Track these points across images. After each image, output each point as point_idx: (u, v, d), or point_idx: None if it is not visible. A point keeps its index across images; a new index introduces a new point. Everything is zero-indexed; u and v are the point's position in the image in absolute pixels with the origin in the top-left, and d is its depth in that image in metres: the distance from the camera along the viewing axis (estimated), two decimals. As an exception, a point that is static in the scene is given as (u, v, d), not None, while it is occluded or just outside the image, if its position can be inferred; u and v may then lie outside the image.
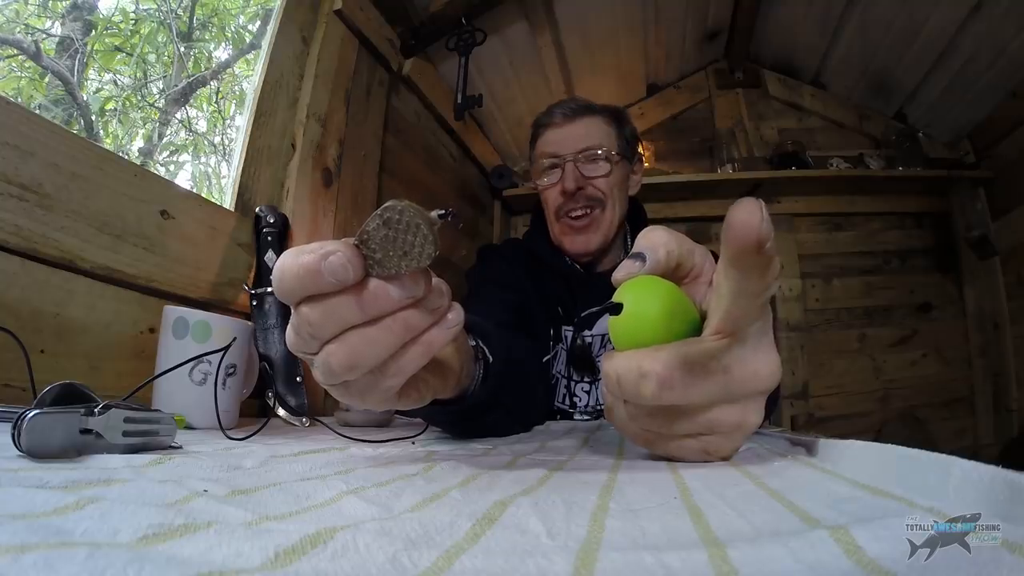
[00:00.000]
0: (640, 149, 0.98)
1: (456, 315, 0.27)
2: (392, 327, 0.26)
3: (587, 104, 0.95)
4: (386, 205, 0.23)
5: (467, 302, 0.88)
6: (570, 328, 0.91)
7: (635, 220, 0.99)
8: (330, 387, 0.28)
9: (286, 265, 0.24)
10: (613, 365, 0.29)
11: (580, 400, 0.88)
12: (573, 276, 0.93)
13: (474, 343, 0.44)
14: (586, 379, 0.89)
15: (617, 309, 0.30)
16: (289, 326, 0.26)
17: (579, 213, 0.89)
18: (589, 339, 0.90)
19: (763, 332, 0.29)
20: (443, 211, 0.26)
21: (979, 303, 1.72)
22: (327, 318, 0.25)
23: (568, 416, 0.88)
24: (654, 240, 0.32)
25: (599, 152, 0.90)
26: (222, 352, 0.52)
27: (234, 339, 0.54)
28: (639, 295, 0.30)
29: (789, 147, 1.79)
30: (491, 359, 0.45)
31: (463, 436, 0.53)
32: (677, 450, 0.32)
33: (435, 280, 0.26)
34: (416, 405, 0.33)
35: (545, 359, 0.89)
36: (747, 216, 0.23)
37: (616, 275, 0.32)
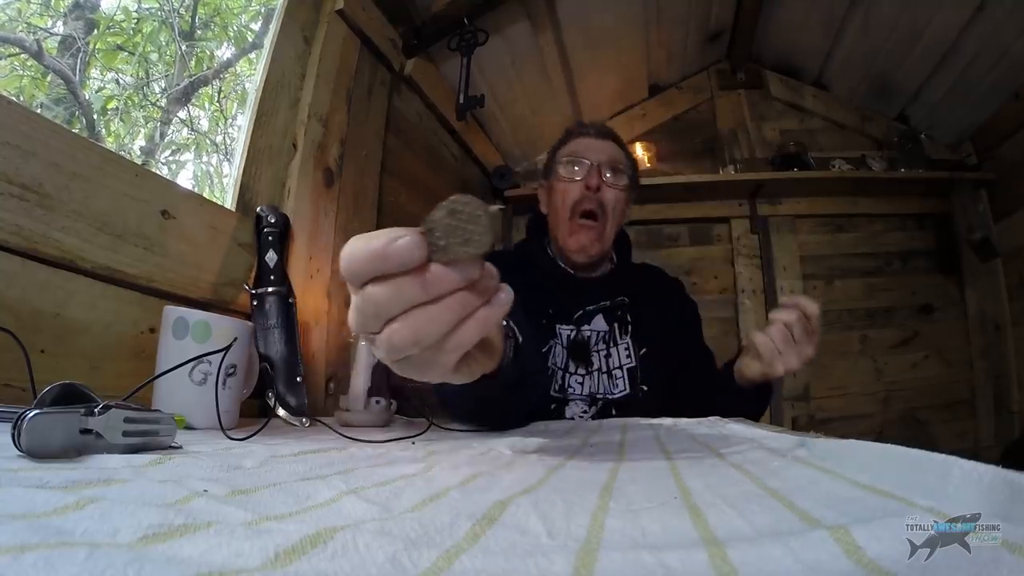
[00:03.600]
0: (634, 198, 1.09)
1: (507, 295, 0.30)
2: (451, 305, 0.28)
3: (617, 135, 1.06)
4: (452, 198, 0.26)
5: None
6: (565, 326, 0.97)
7: (619, 241, 1.07)
8: (392, 362, 0.31)
9: (357, 248, 0.26)
10: None
11: (574, 390, 0.94)
12: (568, 280, 1.00)
13: (505, 323, 0.47)
14: (580, 372, 0.95)
15: None
16: (352, 308, 0.28)
17: (590, 212, 0.97)
18: (588, 334, 0.96)
19: None
20: (500, 206, 0.29)
21: (981, 305, 1.71)
22: (393, 297, 0.27)
23: (562, 403, 0.93)
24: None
25: (621, 167, 0.99)
26: (222, 352, 0.52)
27: (235, 339, 0.54)
28: None
29: (791, 148, 1.79)
30: (520, 339, 0.49)
31: (482, 418, 0.60)
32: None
33: (487, 264, 0.28)
34: (468, 379, 0.36)
35: (543, 350, 0.94)
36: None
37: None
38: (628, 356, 0.96)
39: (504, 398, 0.53)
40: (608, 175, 0.97)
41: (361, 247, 0.26)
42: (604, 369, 0.95)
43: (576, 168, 0.99)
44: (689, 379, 0.94)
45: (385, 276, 0.27)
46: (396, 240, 0.26)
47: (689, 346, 1.00)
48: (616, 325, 0.98)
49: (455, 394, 0.50)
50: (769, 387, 0.84)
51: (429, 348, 0.29)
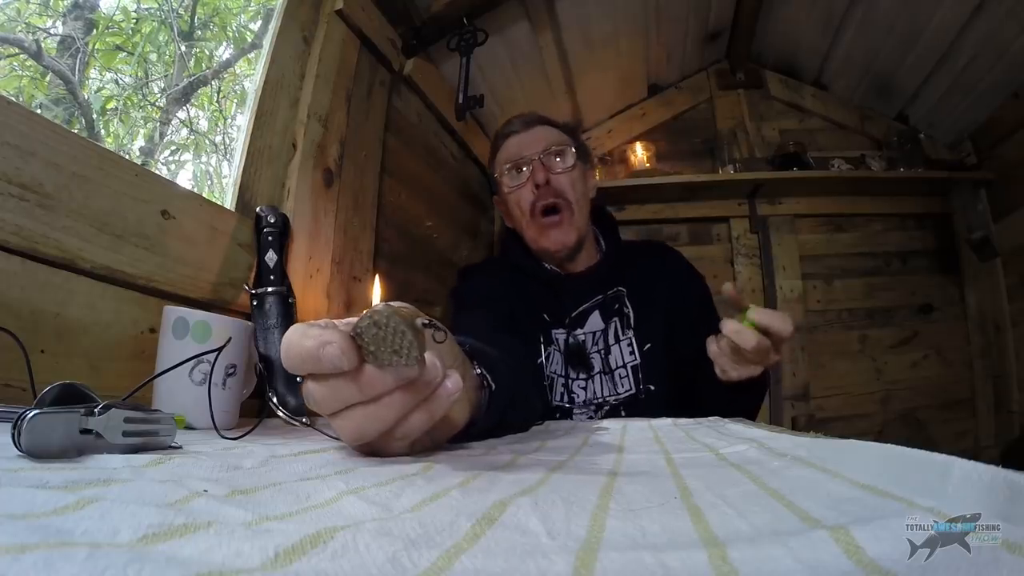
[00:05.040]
0: (593, 164, 1.08)
1: (454, 383, 0.30)
2: (391, 404, 0.28)
3: (544, 116, 1.02)
4: (376, 308, 0.26)
5: (455, 319, 0.91)
6: (560, 330, 0.92)
7: (602, 223, 1.04)
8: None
9: (292, 344, 0.27)
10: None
11: (578, 396, 0.90)
12: (554, 280, 0.96)
13: (479, 371, 0.45)
14: (581, 376, 0.90)
15: None
16: (303, 389, 0.29)
17: (550, 206, 0.92)
18: (582, 337, 0.92)
19: None
20: (426, 321, 0.30)
21: (980, 305, 1.71)
22: (330, 397, 0.28)
23: (568, 413, 0.89)
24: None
25: (563, 147, 0.95)
26: (216, 352, 0.52)
27: (229, 339, 0.54)
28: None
29: (790, 148, 1.79)
30: (494, 387, 0.46)
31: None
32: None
33: (428, 357, 0.28)
34: (428, 449, 0.36)
35: (538, 361, 0.90)
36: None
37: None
38: (631, 353, 0.89)
39: (489, 434, 0.50)
40: (556, 160, 0.93)
41: (295, 343, 0.27)
42: (606, 370, 0.89)
43: (518, 172, 0.95)
44: (703, 372, 0.78)
45: (322, 375, 0.27)
46: (327, 345, 0.26)
47: (701, 333, 0.79)
48: (616, 320, 0.91)
49: None
50: (761, 381, 0.72)
51: (378, 436, 0.30)
